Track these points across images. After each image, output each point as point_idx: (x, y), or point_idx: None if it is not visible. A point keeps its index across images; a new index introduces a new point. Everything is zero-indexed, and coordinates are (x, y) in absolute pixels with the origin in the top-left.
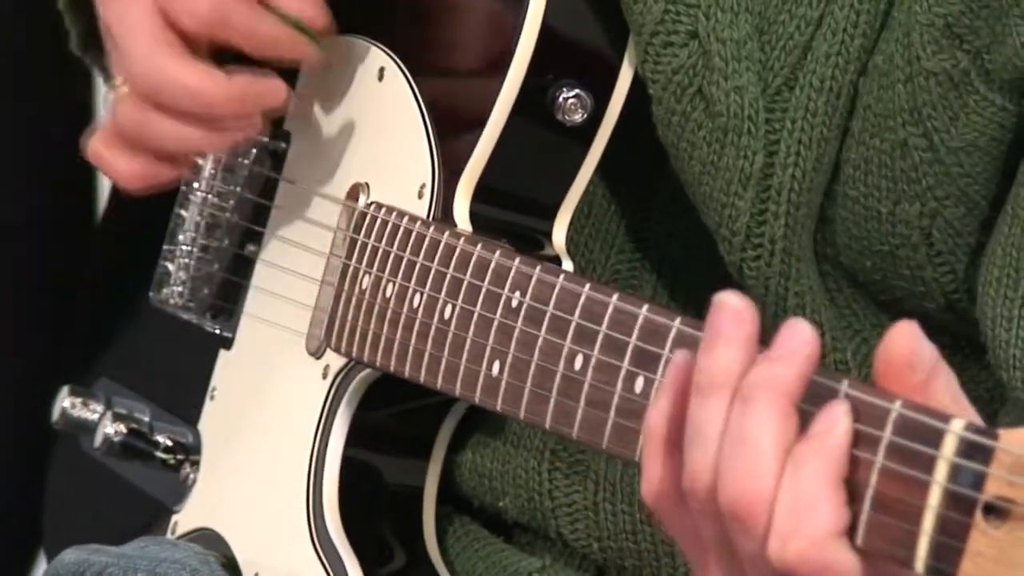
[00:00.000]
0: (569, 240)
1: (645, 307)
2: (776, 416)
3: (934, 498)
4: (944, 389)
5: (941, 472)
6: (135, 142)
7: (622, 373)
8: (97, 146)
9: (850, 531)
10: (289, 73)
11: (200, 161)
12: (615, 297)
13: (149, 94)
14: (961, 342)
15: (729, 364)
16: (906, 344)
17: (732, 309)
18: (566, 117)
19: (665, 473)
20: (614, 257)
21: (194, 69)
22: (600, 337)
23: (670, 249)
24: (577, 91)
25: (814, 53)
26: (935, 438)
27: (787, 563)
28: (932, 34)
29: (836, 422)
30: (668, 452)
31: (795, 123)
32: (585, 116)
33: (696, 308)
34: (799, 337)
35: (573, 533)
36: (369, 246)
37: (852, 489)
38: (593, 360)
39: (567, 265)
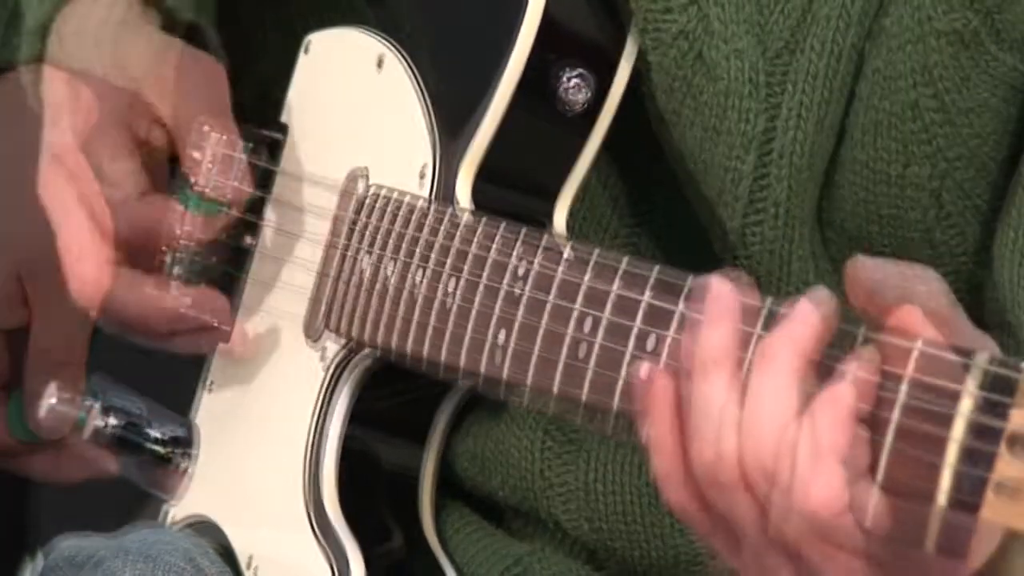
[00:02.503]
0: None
1: (656, 267)
2: (791, 373)
3: (958, 430)
4: (928, 298)
5: (966, 405)
6: None
7: (634, 332)
8: None
9: (871, 468)
10: (284, 66)
11: (196, 155)
12: (625, 260)
13: (92, 307)
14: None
15: (722, 340)
16: (864, 273)
17: (714, 291)
18: (569, 98)
19: (674, 451)
20: (608, 241)
21: (126, 291)
22: (611, 299)
23: (665, 233)
24: (580, 71)
25: (814, 16)
26: (958, 372)
27: (810, 511)
28: None
29: (852, 372)
30: (673, 433)
31: (796, 86)
32: (588, 98)
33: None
34: (815, 298)
35: (565, 514)
36: (369, 227)
37: (874, 427)
38: (604, 322)
39: (567, 247)
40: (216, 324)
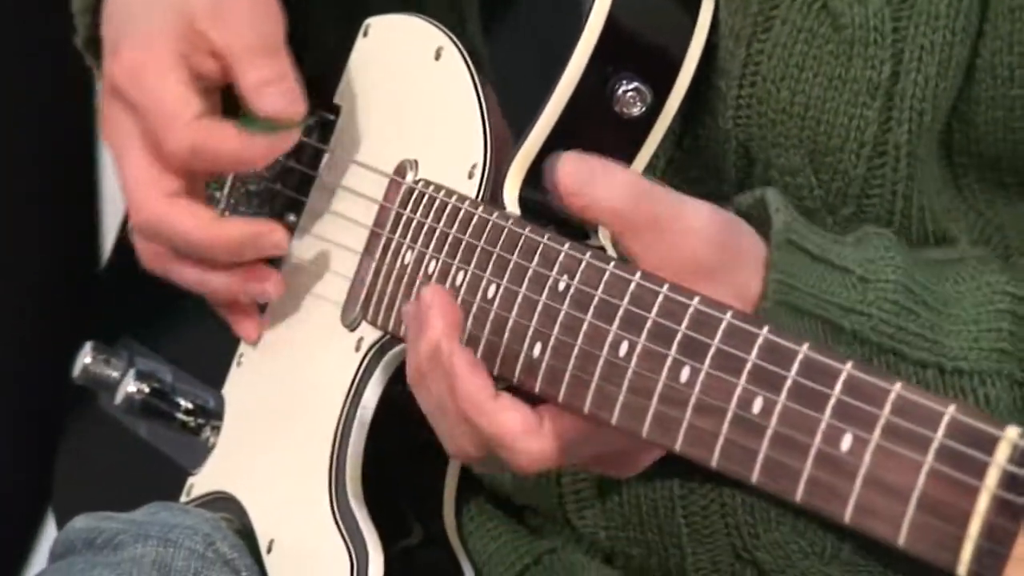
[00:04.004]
0: None
1: (696, 298)
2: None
3: (983, 503)
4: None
5: (992, 478)
6: (162, 273)
7: (668, 361)
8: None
9: (893, 531)
10: (341, 46)
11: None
12: (666, 287)
13: (151, 237)
14: None
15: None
16: (556, 171)
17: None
18: (624, 110)
19: None
20: None
21: (186, 218)
22: (648, 324)
23: None
24: (636, 85)
25: None
26: (988, 443)
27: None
28: None
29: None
30: None
31: (918, 28)
32: (643, 110)
33: None
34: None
35: (580, 520)
36: (414, 221)
37: (898, 490)
38: (639, 347)
39: (610, 266)
40: (276, 251)
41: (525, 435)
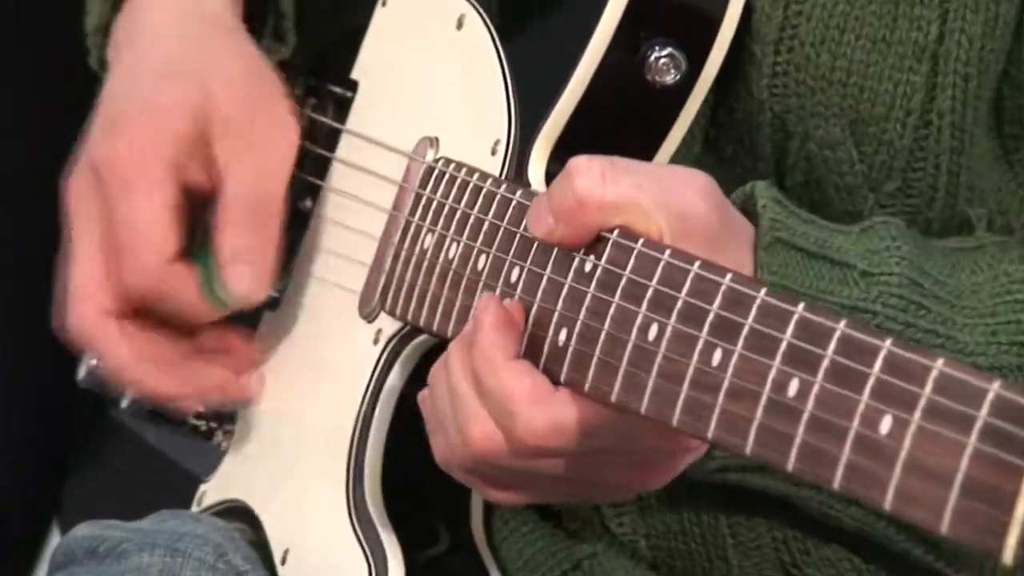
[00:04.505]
0: None
1: (729, 275)
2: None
3: None
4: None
5: None
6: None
7: (699, 344)
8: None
9: (935, 518)
10: (358, 16)
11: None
12: (697, 264)
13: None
14: None
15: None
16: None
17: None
18: (656, 78)
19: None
20: None
21: (115, 346)
22: (679, 305)
23: None
24: (670, 50)
25: None
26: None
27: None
28: None
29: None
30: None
31: None
32: (677, 78)
33: None
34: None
35: (620, 527)
36: (435, 203)
37: (940, 474)
38: (669, 330)
39: (638, 243)
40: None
41: (532, 403)
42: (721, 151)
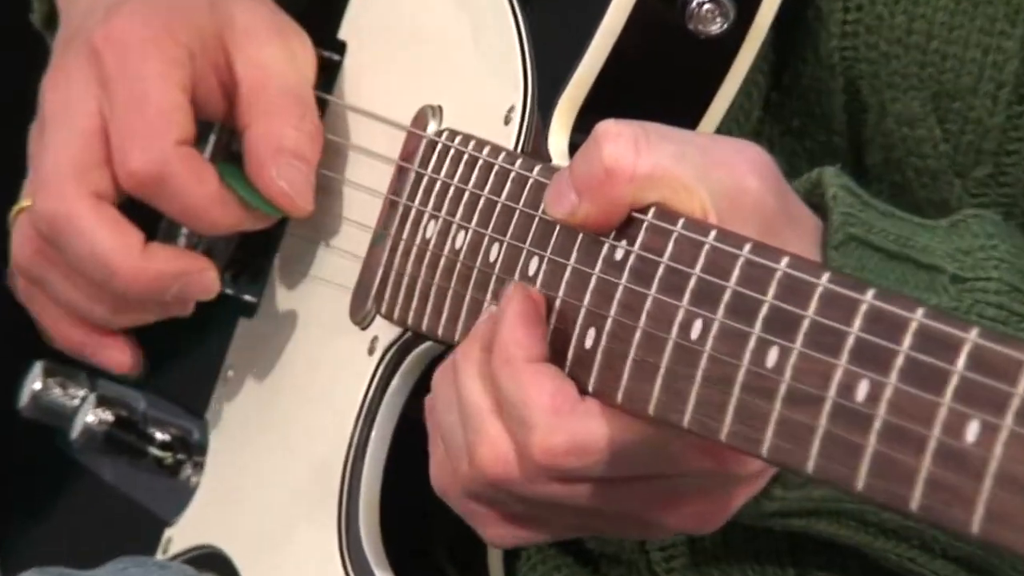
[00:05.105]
0: None
1: (785, 259)
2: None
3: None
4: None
5: None
6: (29, 278)
7: (752, 342)
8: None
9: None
10: None
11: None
12: (747, 247)
13: (48, 235)
14: None
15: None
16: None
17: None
18: (700, 27)
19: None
20: None
21: (107, 234)
22: (726, 297)
23: None
24: None
25: None
26: None
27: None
28: None
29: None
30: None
31: None
32: (724, 27)
33: None
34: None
35: (669, 573)
36: (438, 183)
37: (970, 465)
38: (715, 326)
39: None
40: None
41: (551, 413)
42: (787, 121)
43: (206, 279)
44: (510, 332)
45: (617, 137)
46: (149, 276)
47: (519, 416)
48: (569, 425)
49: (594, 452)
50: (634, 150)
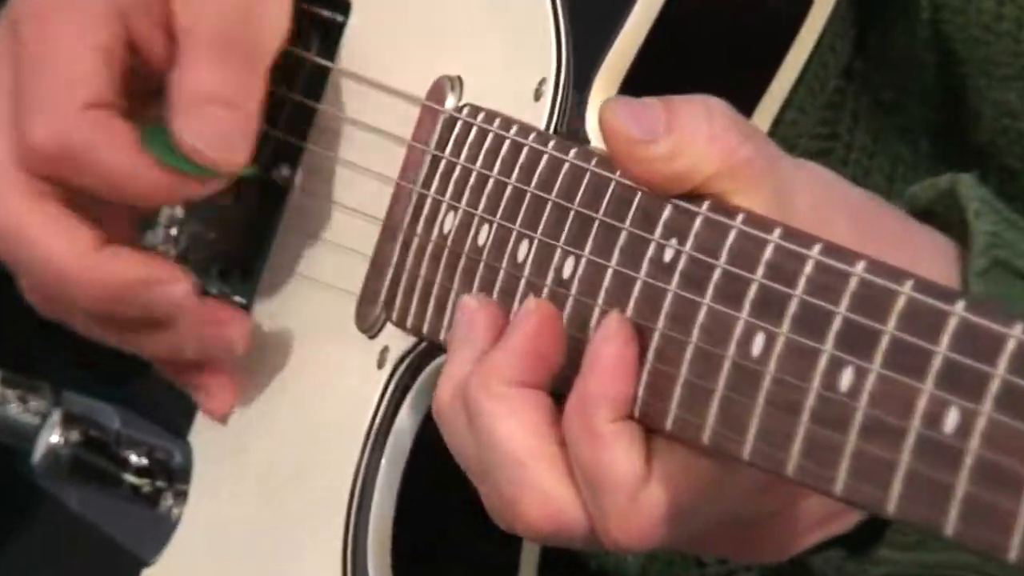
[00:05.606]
0: None
1: (861, 263)
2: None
3: None
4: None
5: None
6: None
7: (822, 362)
8: None
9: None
10: None
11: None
12: (818, 247)
13: (13, 265)
14: None
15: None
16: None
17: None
18: None
19: None
20: None
21: (51, 230)
22: (793, 307)
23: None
24: None
25: None
26: None
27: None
28: None
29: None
30: None
31: None
32: None
33: None
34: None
35: None
36: (458, 168)
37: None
38: (780, 341)
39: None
40: None
41: (630, 496)
42: (875, 92)
43: (174, 291)
44: (604, 383)
45: (687, 102)
46: (105, 283)
47: (593, 489)
48: (646, 504)
49: (669, 524)
50: (708, 119)
